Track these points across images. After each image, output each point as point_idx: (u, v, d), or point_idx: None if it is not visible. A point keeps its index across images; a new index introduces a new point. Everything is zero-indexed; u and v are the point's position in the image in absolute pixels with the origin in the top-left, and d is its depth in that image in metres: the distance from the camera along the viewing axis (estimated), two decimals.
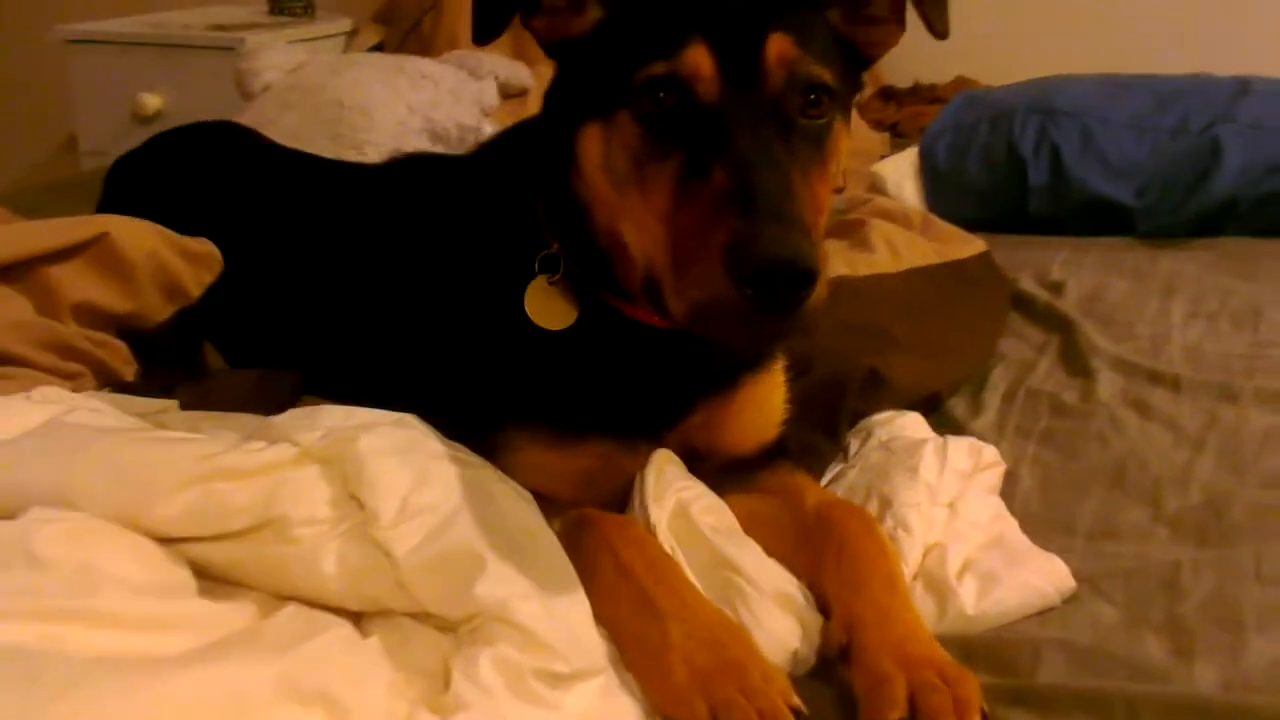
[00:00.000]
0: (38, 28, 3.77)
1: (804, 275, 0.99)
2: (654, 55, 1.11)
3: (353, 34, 3.63)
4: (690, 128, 1.10)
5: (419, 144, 2.58)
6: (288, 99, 2.71)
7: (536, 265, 1.27)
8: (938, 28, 1.22)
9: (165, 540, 1.05)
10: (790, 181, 1.06)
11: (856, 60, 1.25)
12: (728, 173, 1.05)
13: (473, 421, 1.23)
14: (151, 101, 3.44)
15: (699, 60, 1.10)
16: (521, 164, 1.33)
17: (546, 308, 1.26)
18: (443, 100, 2.62)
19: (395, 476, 1.07)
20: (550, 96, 1.30)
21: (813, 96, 1.14)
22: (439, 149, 2.57)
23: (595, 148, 1.17)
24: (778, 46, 1.12)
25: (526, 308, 1.26)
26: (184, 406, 1.37)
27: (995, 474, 1.44)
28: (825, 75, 1.14)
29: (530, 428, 1.26)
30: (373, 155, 2.55)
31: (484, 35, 1.18)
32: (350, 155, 2.54)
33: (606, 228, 1.21)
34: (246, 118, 2.69)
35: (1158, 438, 1.61)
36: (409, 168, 1.66)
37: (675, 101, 1.11)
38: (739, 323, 1.02)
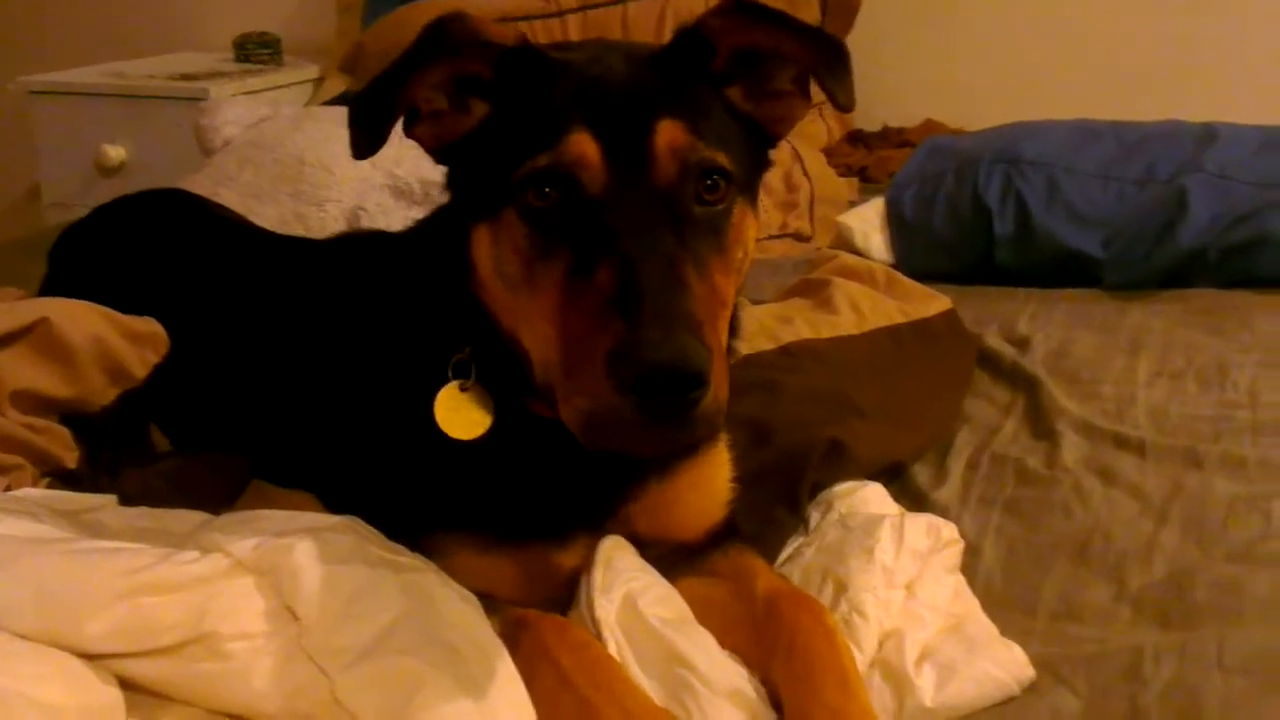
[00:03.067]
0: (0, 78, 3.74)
1: (689, 379, 0.95)
2: (536, 147, 1.07)
3: (319, 82, 3.61)
4: (577, 223, 1.06)
5: (381, 200, 2.57)
6: (248, 155, 2.69)
7: (449, 371, 1.23)
8: (842, 100, 1.18)
9: (93, 657, 1.02)
10: (680, 278, 1.03)
11: (762, 138, 1.22)
12: (612, 272, 1.01)
13: (403, 527, 1.19)
14: (115, 153, 3.42)
15: (583, 149, 1.07)
16: (432, 261, 1.29)
17: (457, 417, 1.22)
18: (405, 156, 2.59)
19: (331, 587, 1.05)
20: (446, 199, 1.27)
21: (709, 182, 1.10)
22: (401, 205, 2.55)
23: (485, 250, 1.14)
24: (668, 134, 1.08)
25: (436, 417, 1.21)
26: (126, 497, 1.33)
27: (954, 552, 1.41)
28: (720, 159, 1.11)
29: (459, 534, 1.22)
30: (333, 211, 2.54)
31: (364, 150, 1.14)
32: (311, 212, 2.53)
33: (507, 331, 1.17)
34: (207, 174, 2.68)
35: (1122, 507, 1.59)
36: (348, 248, 1.63)
37: (560, 195, 1.07)
38: (629, 432, 0.98)
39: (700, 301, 1.03)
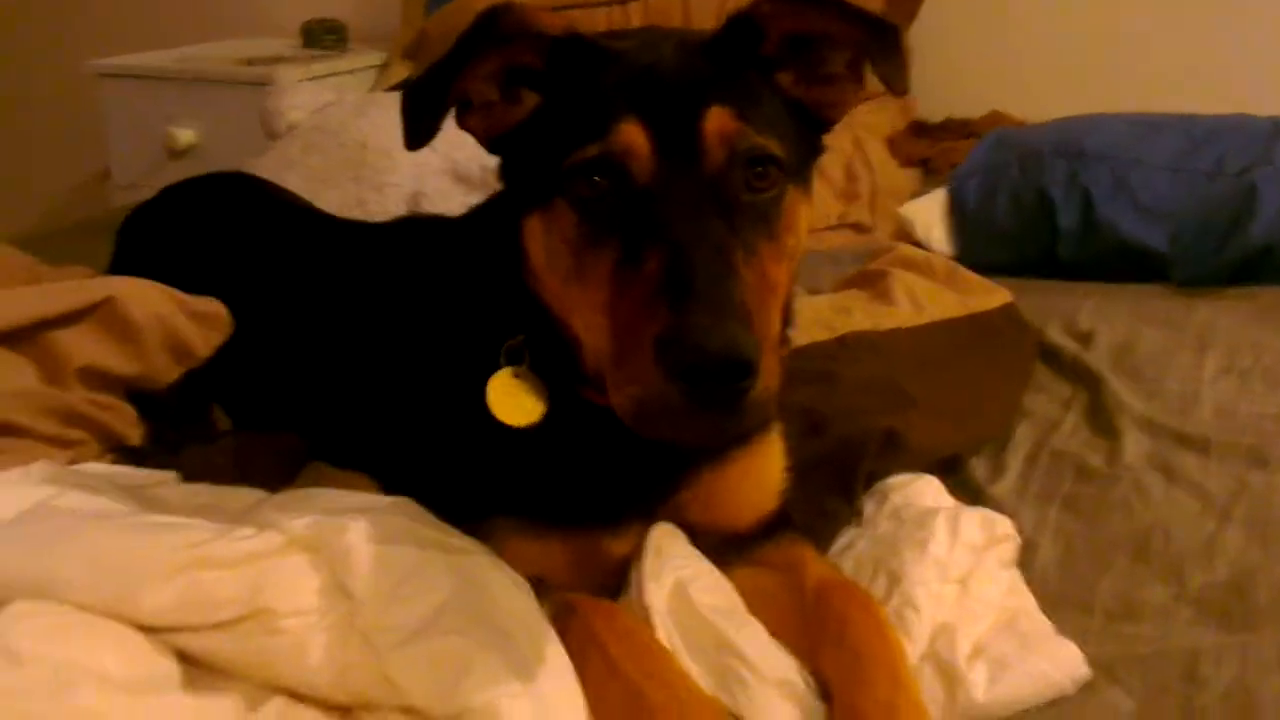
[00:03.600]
0: (71, 60, 3.81)
1: (739, 367, 0.94)
2: (586, 137, 1.07)
3: (384, 68, 3.64)
4: (626, 212, 1.06)
5: (441, 185, 2.58)
6: (312, 139, 2.72)
7: (502, 357, 1.24)
8: (895, 84, 1.16)
9: (150, 630, 1.03)
10: (730, 265, 1.02)
11: (813, 123, 1.21)
12: (661, 259, 1.00)
13: (456, 510, 1.20)
14: (183, 135, 3.47)
15: (632, 138, 1.06)
16: (486, 248, 1.30)
17: (510, 403, 1.22)
18: (465, 140, 2.57)
19: (384, 566, 1.06)
20: (499, 189, 1.28)
21: (758, 169, 1.09)
22: (461, 189, 2.56)
23: (537, 239, 1.14)
24: (717, 120, 1.08)
25: (489, 404, 1.22)
26: (188, 471, 1.36)
27: (1010, 547, 1.40)
28: (771, 146, 1.10)
29: (511, 519, 1.23)
30: (394, 196, 2.56)
31: (416, 141, 1.15)
32: (372, 196, 2.55)
33: (559, 319, 1.18)
34: (271, 158, 2.71)
35: (1184, 506, 1.56)
36: (406, 232, 1.64)
37: (610, 185, 1.07)
38: (678, 420, 0.97)
39: (750, 289, 1.02)
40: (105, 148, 3.72)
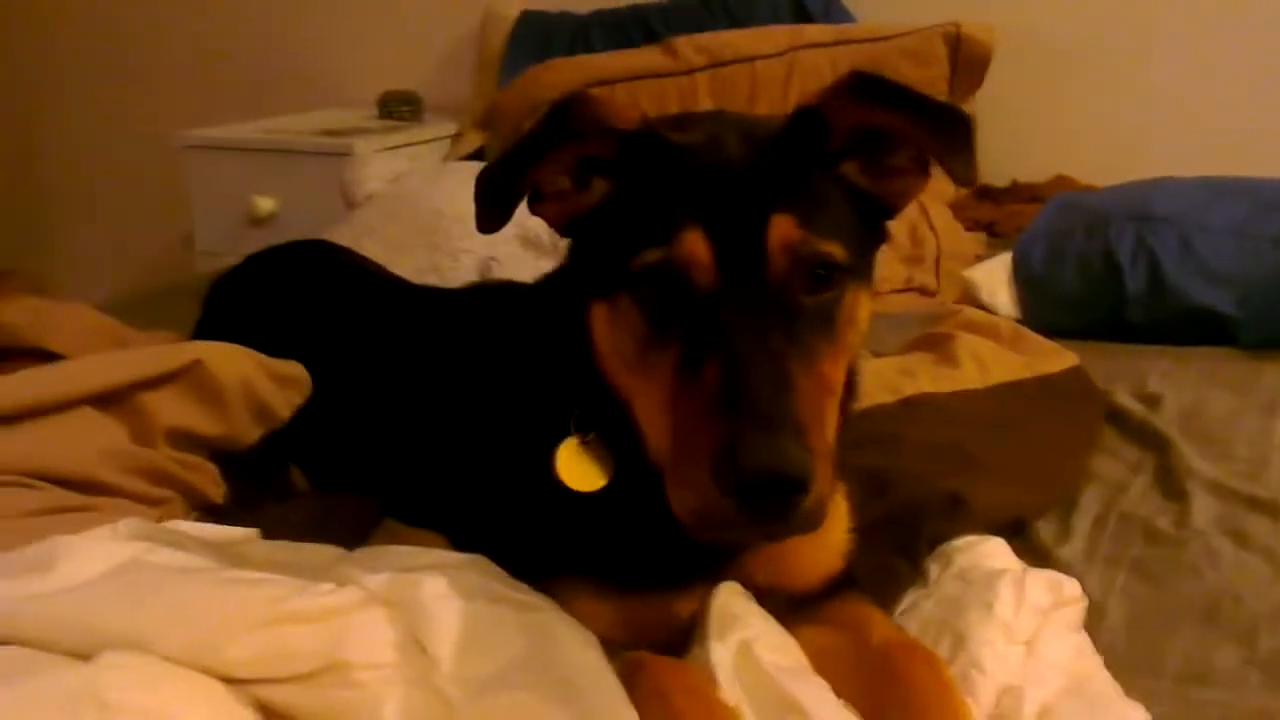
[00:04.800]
0: (157, 129, 3.95)
1: (791, 484, 0.97)
2: (650, 240, 1.09)
3: (457, 137, 3.73)
4: (687, 316, 1.08)
5: (511, 250, 2.63)
6: (389, 208, 2.79)
7: (571, 424, 1.26)
8: (961, 178, 1.16)
9: (233, 681, 1.07)
10: (786, 377, 1.03)
11: (878, 210, 1.21)
12: (719, 370, 1.02)
13: (525, 570, 1.23)
14: (264, 204, 3.57)
15: (694, 249, 1.08)
16: (555, 318, 1.32)
17: (576, 470, 1.25)
18: None
19: (458, 622, 1.08)
20: (570, 268, 1.30)
21: (820, 272, 1.10)
22: (530, 254, 2.62)
23: (603, 326, 1.16)
24: (780, 230, 1.08)
25: (556, 469, 1.24)
26: (267, 530, 1.40)
27: (1077, 610, 1.39)
28: (834, 251, 1.10)
29: (578, 580, 1.25)
30: (467, 262, 2.61)
31: (489, 228, 1.17)
32: (446, 263, 2.61)
33: (623, 401, 1.20)
34: (351, 226, 2.79)
35: (1255, 569, 1.54)
36: (479, 299, 1.69)
37: (673, 288, 1.09)
38: (731, 529, 1.01)
39: (806, 399, 1.04)
40: (189, 216, 3.84)
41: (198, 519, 1.48)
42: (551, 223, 1.23)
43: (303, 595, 1.09)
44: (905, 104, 1.17)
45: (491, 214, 1.17)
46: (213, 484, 1.55)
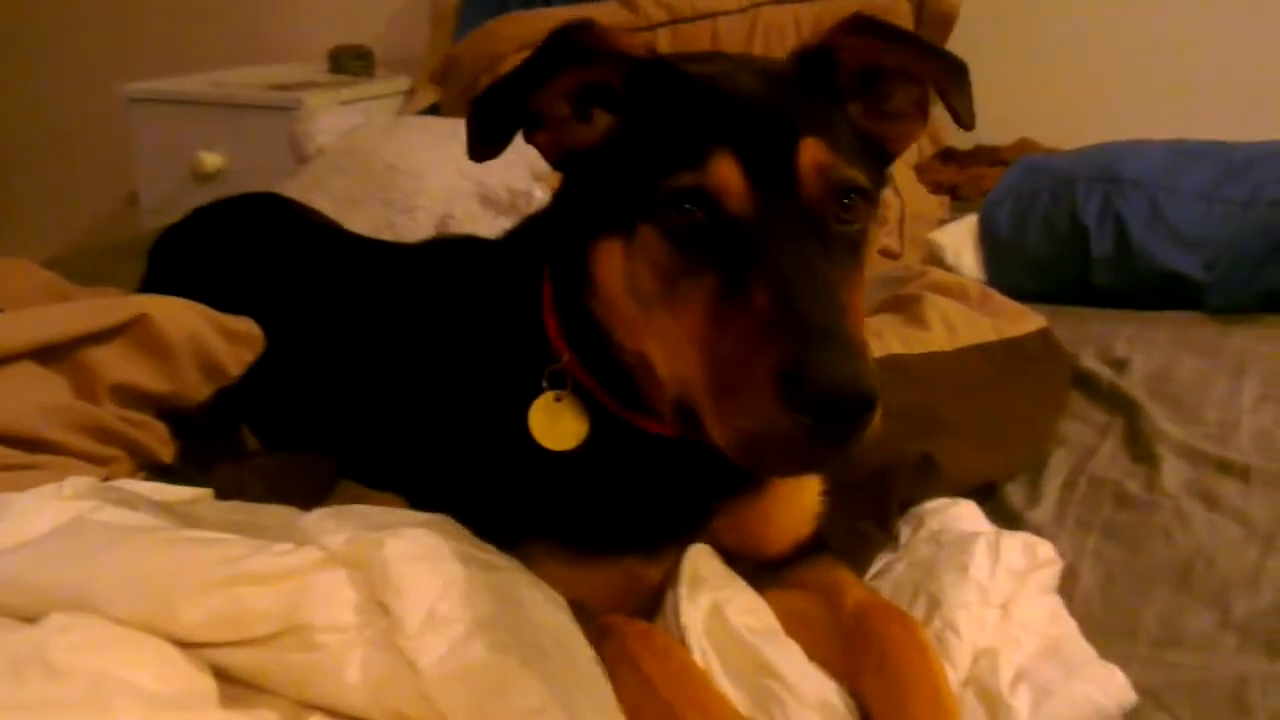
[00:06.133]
0: (100, 85, 3.84)
1: (864, 400, 0.94)
2: (678, 165, 1.05)
3: (410, 93, 3.65)
4: (723, 243, 1.04)
5: (469, 208, 2.58)
6: (341, 163, 2.72)
7: (544, 381, 1.22)
8: (964, 118, 1.16)
9: (187, 645, 1.02)
10: (838, 297, 1.01)
11: (879, 155, 1.20)
12: (770, 292, 0.99)
13: (492, 533, 1.18)
14: (211, 160, 3.49)
15: (728, 172, 1.05)
16: (528, 270, 1.29)
17: (551, 428, 1.22)
18: (494, 163, 2.57)
19: (422, 583, 1.04)
20: (558, 208, 1.26)
21: (847, 201, 1.08)
22: (489, 213, 2.57)
23: (614, 264, 1.11)
24: (811, 152, 1.07)
25: (530, 427, 1.21)
26: (220, 491, 1.34)
27: (1051, 572, 1.38)
28: (860, 178, 1.09)
29: (547, 544, 1.21)
30: (423, 219, 2.56)
31: (483, 153, 1.12)
32: (401, 219, 2.55)
33: (629, 347, 1.15)
34: (300, 180, 2.72)
35: (1226, 533, 1.54)
36: (440, 253, 1.63)
37: (705, 215, 1.05)
38: (791, 452, 0.97)
39: (854, 321, 1.02)
40: (133, 172, 3.74)
41: (146, 479, 1.42)
42: (546, 153, 1.18)
43: (260, 555, 1.04)
44: (912, 41, 1.18)
45: (487, 138, 1.12)
46: (161, 443, 1.49)
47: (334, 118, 3.00)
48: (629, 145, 1.12)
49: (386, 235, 2.41)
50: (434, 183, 2.61)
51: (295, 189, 2.59)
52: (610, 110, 1.14)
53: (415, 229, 2.52)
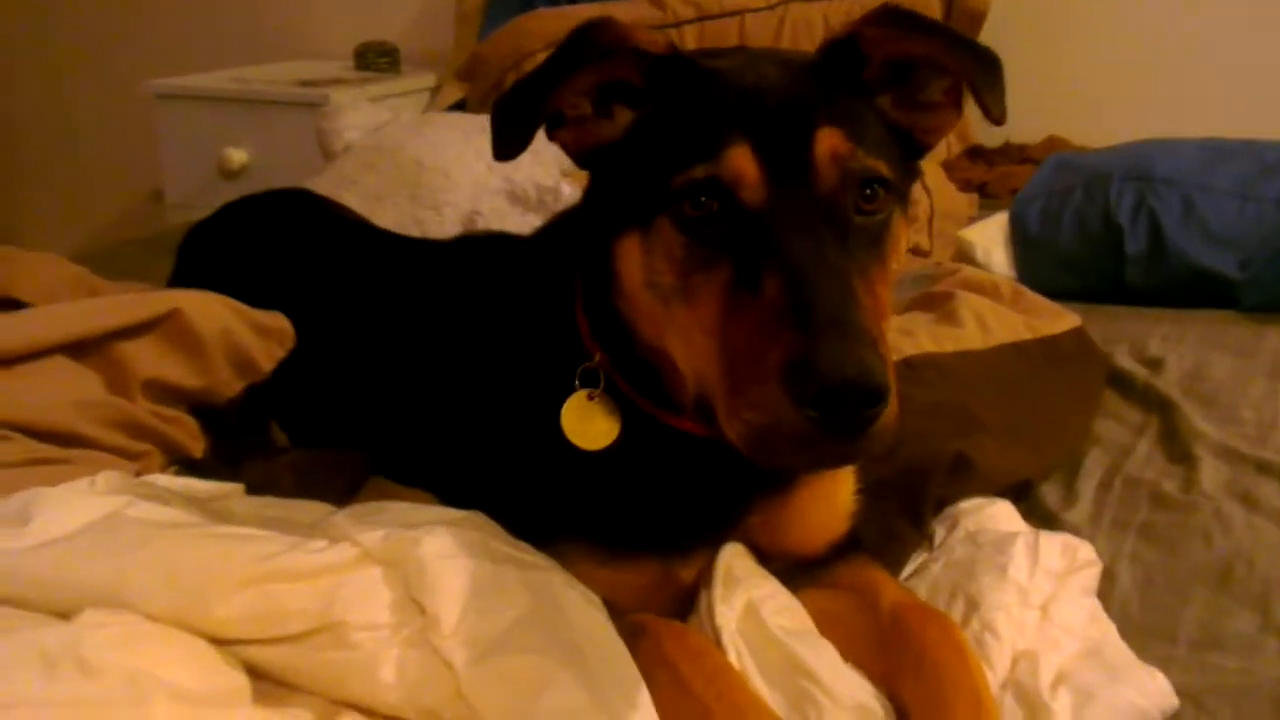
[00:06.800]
0: (127, 81, 3.84)
1: (873, 393, 0.92)
2: (693, 158, 1.05)
3: (436, 90, 3.64)
4: (737, 234, 1.03)
5: (497, 204, 2.57)
6: (368, 159, 2.72)
7: (576, 380, 1.21)
8: (995, 112, 1.13)
9: (221, 642, 1.01)
10: (851, 288, 0.99)
11: (911, 147, 1.18)
12: (781, 282, 0.98)
13: (524, 532, 1.18)
14: (237, 156, 3.48)
15: (742, 163, 1.04)
16: (560, 267, 1.28)
17: (584, 427, 1.20)
18: (522, 160, 2.55)
19: (458, 581, 1.03)
20: (585, 206, 1.25)
21: (868, 191, 1.07)
22: (517, 210, 2.56)
23: (634, 259, 1.10)
24: (828, 142, 1.06)
25: (563, 426, 1.20)
26: (251, 488, 1.34)
27: (1091, 574, 1.36)
28: (880, 168, 1.08)
29: (579, 543, 1.20)
30: (450, 215, 2.55)
31: (506, 153, 1.12)
32: (428, 215, 2.55)
33: (651, 342, 1.14)
34: (328, 177, 2.71)
35: (1266, 534, 1.51)
36: (471, 250, 1.63)
37: (719, 206, 1.04)
38: (802, 447, 0.95)
39: (870, 313, 1.00)
40: (158, 168, 3.74)
41: (177, 474, 1.41)
42: (569, 150, 1.17)
43: (294, 552, 1.04)
44: (940, 32, 1.15)
45: (510, 137, 1.11)
46: (192, 438, 1.49)
47: (361, 114, 2.99)
48: (648, 141, 1.12)
49: (414, 232, 2.40)
50: (461, 179, 2.60)
51: (323, 185, 2.59)
52: (631, 107, 1.14)
53: (443, 226, 2.51)
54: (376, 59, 3.80)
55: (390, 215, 2.50)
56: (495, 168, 2.60)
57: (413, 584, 1.03)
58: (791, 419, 0.93)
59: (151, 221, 3.87)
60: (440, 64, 3.76)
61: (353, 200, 2.46)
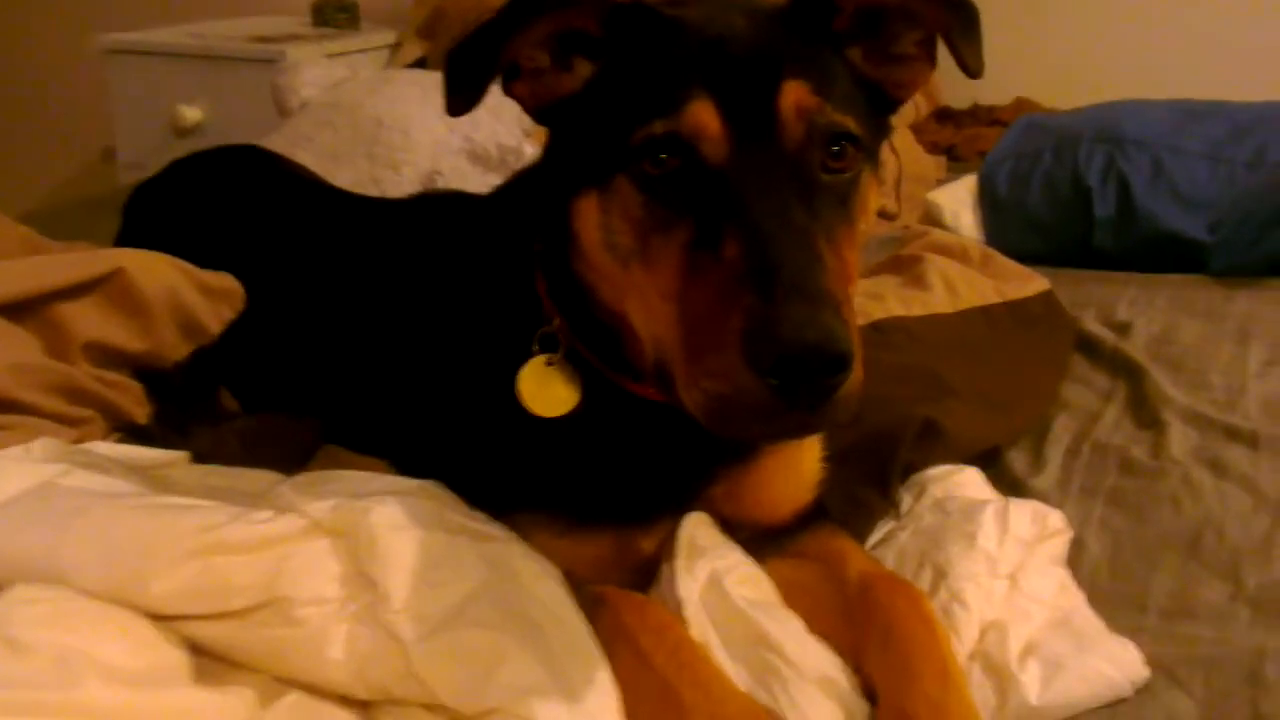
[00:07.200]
0: (77, 37, 3.74)
1: (836, 360, 0.88)
2: (652, 113, 1.00)
3: (396, 47, 3.57)
4: (698, 192, 0.99)
5: (457, 164, 2.52)
6: (325, 116, 2.65)
7: (535, 345, 1.17)
8: (971, 65, 1.09)
9: (160, 618, 0.97)
10: (815, 250, 0.95)
11: (882, 102, 1.14)
12: (742, 243, 0.93)
13: (480, 502, 1.14)
14: (191, 114, 3.40)
15: (703, 117, 0.99)
16: (518, 228, 1.23)
17: (543, 393, 1.16)
18: (483, 119, 2.54)
19: (410, 553, 1.00)
20: (544, 165, 1.20)
21: (836, 148, 1.02)
22: (478, 170, 2.50)
23: (592, 219, 1.06)
24: (793, 95, 1.01)
25: (520, 393, 1.15)
26: (197, 455, 1.30)
27: (1060, 542, 1.34)
28: (849, 123, 1.03)
29: (537, 514, 1.16)
30: (409, 175, 2.50)
31: (459, 107, 1.06)
32: (387, 175, 2.49)
33: (611, 306, 1.10)
34: (283, 134, 2.65)
35: (1236, 501, 1.50)
36: (427, 209, 1.57)
37: (680, 163, 1.00)
38: (762, 417, 0.91)
39: (835, 276, 0.96)
40: (110, 126, 3.65)
41: (120, 441, 1.37)
42: (526, 105, 1.12)
43: (237, 523, 1.00)
44: None
45: (463, 90, 1.06)
46: (137, 404, 1.44)
47: (318, 71, 2.92)
48: (606, 95, 1.07)
49: (372, 191, 2.34)
50: (421, 138, 2.54)
51: (278, 144, 2.52)
52: (591, 58, 1.09)
53: (401, 185, 2.45)
54: (335, 14, 3.72)
55: (348, 174, 2.44)
56: (456, 126, 2.54)
57: (362, 557, 1.00)
58: (751, 388, 0.89)
59: (104, 180, 3.78)
60: (401, 20, 3.67)
61: (308, 159, 2.40)
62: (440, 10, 3.27)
